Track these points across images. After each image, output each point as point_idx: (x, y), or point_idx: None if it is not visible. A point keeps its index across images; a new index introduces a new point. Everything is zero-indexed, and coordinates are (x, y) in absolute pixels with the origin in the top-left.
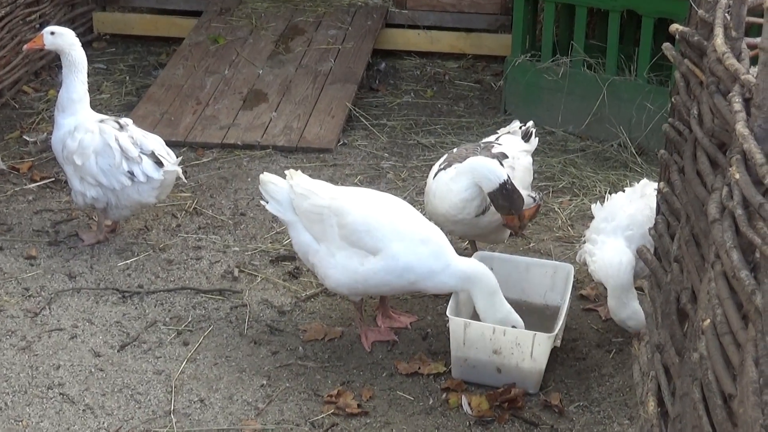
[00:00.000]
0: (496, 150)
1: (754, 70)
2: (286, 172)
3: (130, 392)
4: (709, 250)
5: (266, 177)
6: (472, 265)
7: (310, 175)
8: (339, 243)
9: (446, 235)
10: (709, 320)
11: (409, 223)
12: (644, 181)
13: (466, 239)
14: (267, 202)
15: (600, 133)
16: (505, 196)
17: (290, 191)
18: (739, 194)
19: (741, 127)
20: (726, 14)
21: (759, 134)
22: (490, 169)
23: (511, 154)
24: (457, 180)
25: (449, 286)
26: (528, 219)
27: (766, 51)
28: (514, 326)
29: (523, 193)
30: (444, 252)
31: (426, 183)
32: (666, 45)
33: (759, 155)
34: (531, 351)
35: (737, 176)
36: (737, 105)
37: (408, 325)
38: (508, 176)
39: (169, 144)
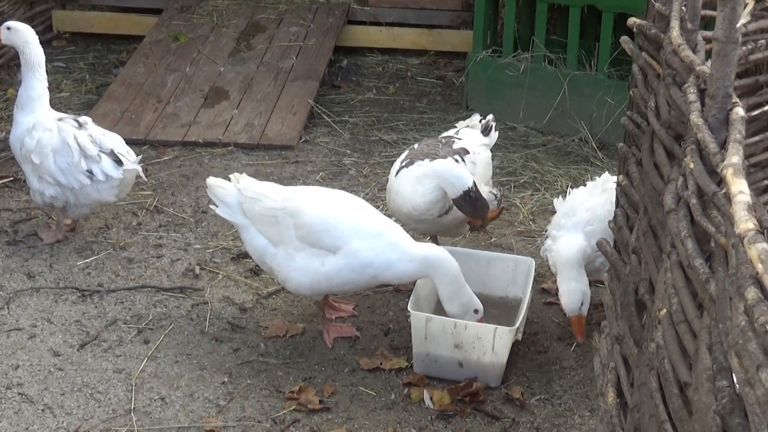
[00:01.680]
0: (457, 146)
1: (710, 63)
2: (231, 176)
3: (89, 391)
4: (666, 240)
5: (213, 181)
6: (431, 249)
7: (271, 173)
8: (297, 244)
9: (408, 231)
10: (665, 310)
11: (364, 218)
12: (605, 175)
13: (428, 234)
14: (217, 206)
15: (561, 128)
16: (469, 202)
17: (238, 195)
18: (694, 184)
19: (695, 118)
20: (682, 7)
21: (713, 124)
22: (456, 175)
23: (472, 149)
24: (422, 182)
25: (410, 274)
26: (491, 220)
27: (719, 41)
28: (476, 310)
29: (484, 189)
30: (400, 241)
31: (388, 180)
32: (624, 38)
33: (712, 144)
34: (492, 345)
35: (692, 166)
36: (692, 96)
37: (352, 311)
38: (474, 183)
39: (130, 142)
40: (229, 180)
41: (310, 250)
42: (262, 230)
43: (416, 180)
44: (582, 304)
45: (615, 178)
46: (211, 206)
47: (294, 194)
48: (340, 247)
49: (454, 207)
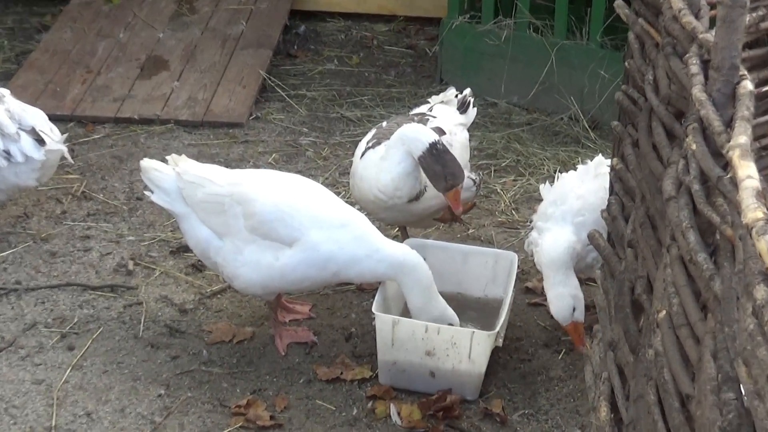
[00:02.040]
0: (430, 125)
1: (714, 30)
2: (169, 157)
3: (4, 405)
4: (665, 232)
5: (148, 163)
6: (404, 251)
7: (217, 154)
8: (246, 236)
9: (375, 223)
10: (664, 311)
11: (325, 207)
12: (598, 158)
13: (397, 225)
14: (152, 192)
15: (548, 105)
16: (437, 157)
17: (177, 179)
18: (696, 167)
19: (698, 92)
20: None
21: (718, 99)
22: (417, 130)
23: (447, 129)
24: (388, 155)
25: (377, 274)
26: (466, 211)
27: (724, 5)
28: (450, 324)
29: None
30: (368, 235)
31: (351, 163)
32: (618, 2)
33: (717, 123)
34: (469, 352)
35: (694, 147)
36: (694, 67)
37: (309, 313)
38: (440, 139)
39: (54, 118)
40: (167, 162)
41: (261, 242)
42: (206, 220)
43: (381, 158)
44: (574, 310)
45: (609, 161)
46: (146, 192)
47: (242, 178)
48: (296, 239)
49: (426, 193)
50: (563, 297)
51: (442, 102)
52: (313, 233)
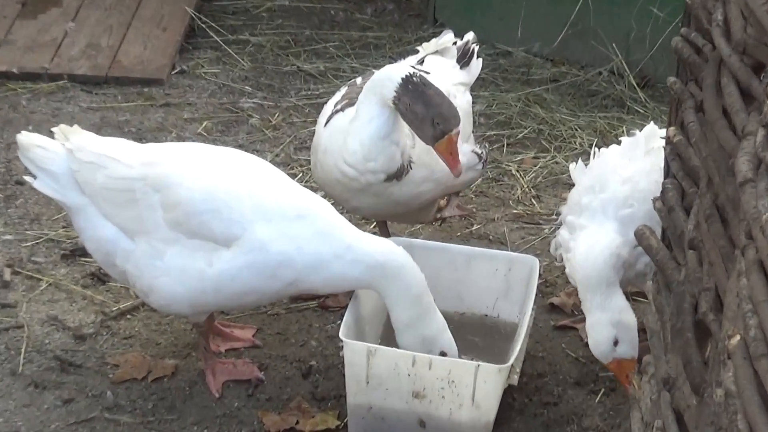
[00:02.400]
0: None
1: None
2: (56, 129)
3: None
4: (739, 227)
5: (28, 138)
6: (386, 248)
7: (127, 121)
8: (167, 234)
9: (344, 215)
10: (738, 336)
11: (275, 193)
12: (650, 127)
13: (374, 220)
14: (35, 178)
15: (581, 55)
16: (415, 94)
17: (69, 158)
18: None
19: None
20: None
21: None
22: (386, 70)
23: (445, 90)
24: (359, 112)
25: (350, 281)
26: (464, 214)
27: None
28: (443, 353)
29: (466, 147)
30: (335, 229)
31: (312, 135)
32: None
33: None
34: (472, 393)
35: None
36: None
37: (253, 340)
38: (416, 71)
39: None
40: (53, 136)
41: (188, 242)
42: (110, 213)
43: (350, 120)
44: (617, 343)
45: (664, 131)
46: (27, 178)
47: (161, 156)
48: (237, 237)
49: (413, 168)
50: (601, 326)
51: (436, 52)
52: (260, 229)
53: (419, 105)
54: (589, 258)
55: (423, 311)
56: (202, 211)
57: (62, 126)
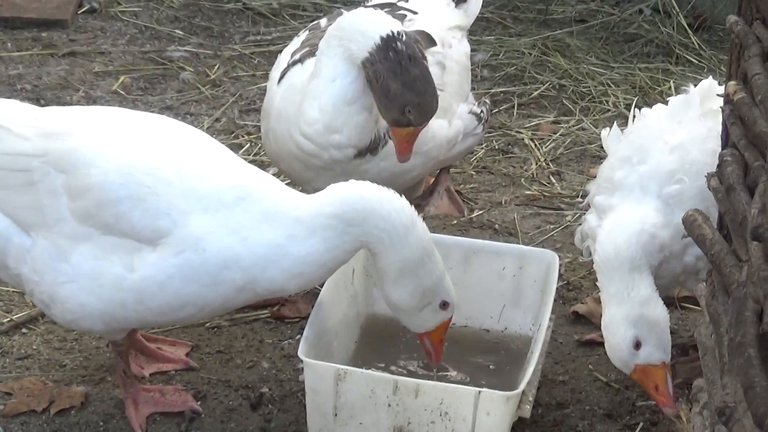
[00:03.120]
0: (408, 26)
1: None
2: None
3: None
4: None
5: None
6: (336, 197)
7: (20, 76)
8: (75, 228)
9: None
10: None
11: (211, 172)
12: (707, 82)
13: None
14: None
15: None
16: (395, 66)
17: None
18: None
19: None
20: None
21: None
22: (360, 18)
23: (438, 37)
24: (319, 67)
25: (321, 259)
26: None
27: None
28: (445, 303)
29: (462, 109)
30: (281, 203)
31: (263, 95)
32: None
33: None
34: (471, 427)
35: None
36: None
37: (187, 360)
38: (401, 31)
39: None
40: None
41: (102, 239)
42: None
43: (310, 76)
44: (639, 346)
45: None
46: None
47: (66, 125)
48: (166, 233)
49: (389, 143)
50: (616, 324)
51: None
52: (195, 221)
53: (396, 83)
54: (611, 234)
55: (419, 252)
56: (120, 199)
57: None
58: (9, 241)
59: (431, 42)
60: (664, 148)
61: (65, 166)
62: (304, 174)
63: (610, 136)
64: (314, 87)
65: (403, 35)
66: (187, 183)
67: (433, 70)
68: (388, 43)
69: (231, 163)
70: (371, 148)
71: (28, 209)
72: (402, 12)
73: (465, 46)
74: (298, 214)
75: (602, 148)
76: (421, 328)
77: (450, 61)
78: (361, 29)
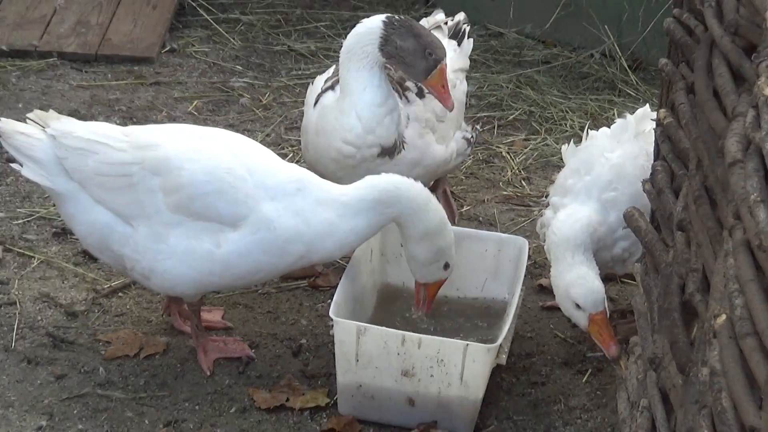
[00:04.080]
0: None
1: None
2: (30, 115)
3: None
4: (727, 209)
5: (9, 126)
6: (378, 179)
7: (117, 100)
8: (169, 217)
9: None
10: (724, 316)
11: (271, 169)
12: (642, 111)
13: None
14: (21, 165)
15: (573, 37)
16: (402, 30)
17: (54, 145)
18: None
19: None
20: None
21: None
22: (359, 26)
23: (448, 78)
24: (345, 85)
25: (361, 233)
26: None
27: None
28: (447, 265)
29: (458, 134)
30: (329, 192)
31: (302, 115)
32: None
33: None
34: (461, 371)
35: (767, 92)
36: None
37: (224, 322)
38: (393, 15)
39: None
40: (26, 121)
41: (192, 224)
42: (104, 199)
43: (340, 96)
44: (579, 307)
45: (655, 114)
46: (14, 166)
47: (156, 139)
48: (244, 217)
49: (405, 149)
50: (589, 278)
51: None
52: (266, 206)
53: (410, 39)
54: (567, 222)
55: (436, 223)
56: (207, 193)
57: (37, 112)
58: (113, 230)
59: None
60: (605, 163)
61: (159, 170)
62: (337, 173)
63: (567, 150)
64: (348, 102)
65: (394, 16)
66: (257, 178)
67: (438, 105)
68: (389, 22)
69: (279, 161)
70: (390, 151)
71: (130, 205)
72: None
73: (464, 86)
74: (344, 200)
75: (562, 159)
76: (424, 278)
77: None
78: (366, 29)
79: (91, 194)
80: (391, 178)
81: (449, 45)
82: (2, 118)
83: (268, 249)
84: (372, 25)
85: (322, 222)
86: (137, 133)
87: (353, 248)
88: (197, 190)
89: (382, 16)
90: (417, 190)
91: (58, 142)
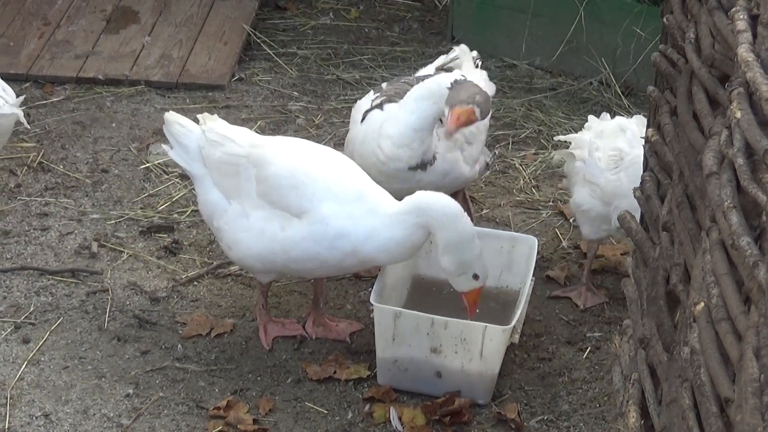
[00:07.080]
0: None
1: None
2: (200, 116)
3: None
4: (705, 213)
5: (172, 117)
6: (416, 196)
7: (193, 119)
8: (255, 201)
9: None
10: (702, 304)
11: (344, 179)
12: (637, 118)
13: None
14: (171, 147)
15: (575, 68)
16: (460, 88)
17: (201, 138)
18: (741, 139)
19: (744, 52)
20: None
21: (767, 60)
22: (436, 80)
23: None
24: (403, 103)
25: (400, 240)
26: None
27: None
28: (476, 275)
29: (482, 159)
30: (381, 204)
31: (348, 131)
32: None
33: (766, 87)
34: (481, 349)
35: (738, 115)
36: (741, 23)
37: (348, 338)
38: (459, 77)
39: (7, 78)
40: (197, 120)
41: (270, 209)
42: (219, 182)
43: (398, 107)
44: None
45: (645, 121)
46: (165, 146)
47: (264, 142)
48: (306, 210)
49: (436, 163)
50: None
51: (450, 64)
52: (326, 206)
53: (463, 92)
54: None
55: (464, 236)
56: (284, 186)
57: (205, 114)
58: (217, 206)
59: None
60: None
61: (257, 164)
62: (379, 178)
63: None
64: (394, 119)
65: (459, 78)
66: (327, 181)
67: (471, 129)
68: (456, 85)
69: (355, 173)
70: (420, 166)
71: (232, 188)
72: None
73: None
74: (388, 212)
75: (565, 171)
76: (458, 287)
77: (481, 124)
78: (438, 80)
79: (213, 178)
80: (427, 195)
81: (481, 75)
82: (170, 111)
83: (319, 240)
84: (441, 82)
85: (366, 227)
86: (257, 137)
87: (401, 256)
88: (277, 183)
89: (450, 77)
90: (449, 204)
91: (204, 136)
